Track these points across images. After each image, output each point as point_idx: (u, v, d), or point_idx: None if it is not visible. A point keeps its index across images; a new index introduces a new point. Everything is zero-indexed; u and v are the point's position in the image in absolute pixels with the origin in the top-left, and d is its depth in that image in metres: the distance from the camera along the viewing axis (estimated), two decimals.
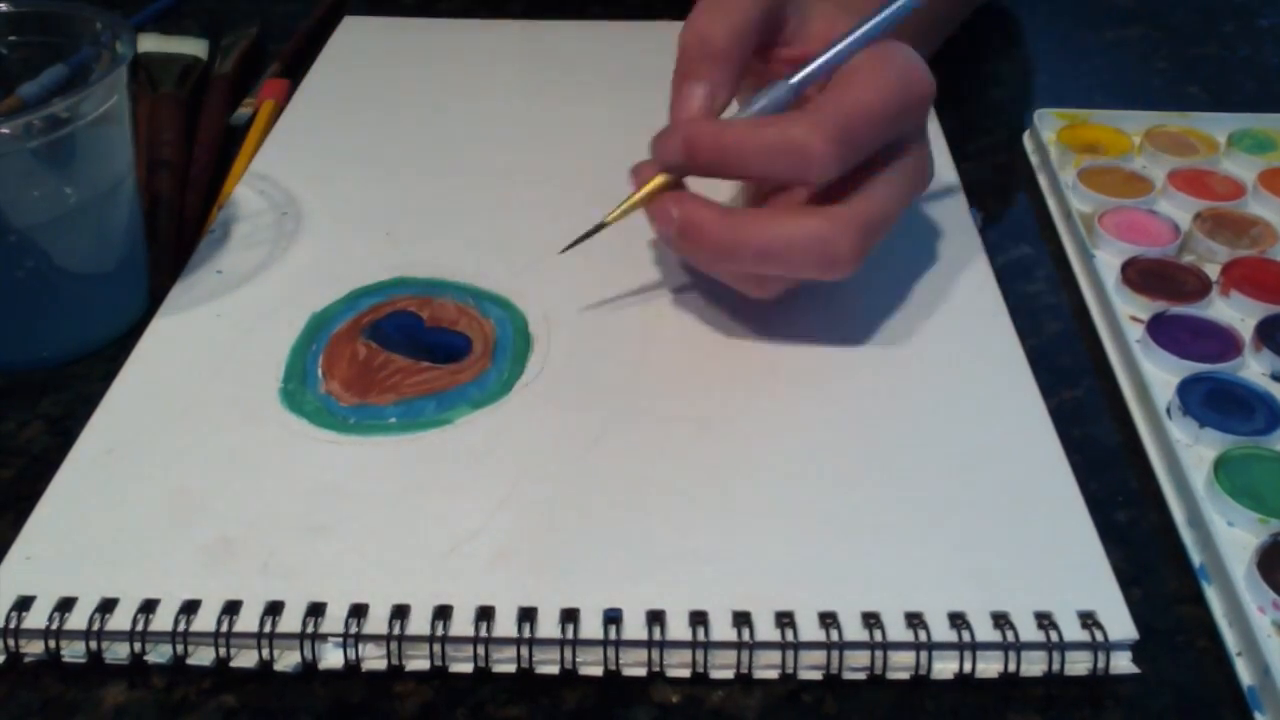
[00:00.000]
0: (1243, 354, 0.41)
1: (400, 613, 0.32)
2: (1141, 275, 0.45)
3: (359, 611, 0.32)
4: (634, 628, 0.32)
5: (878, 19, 0.39)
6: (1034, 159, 0.54)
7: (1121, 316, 0.43)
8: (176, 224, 0.50)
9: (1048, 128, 0.55)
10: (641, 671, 0.32)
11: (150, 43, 0.61)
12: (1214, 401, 0.39)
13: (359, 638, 0.32)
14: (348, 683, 0.32)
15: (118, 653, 0.32)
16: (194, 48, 0.62)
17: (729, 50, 0.39)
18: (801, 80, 0.39)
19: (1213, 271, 0.45)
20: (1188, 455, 0.37)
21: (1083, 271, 0.47)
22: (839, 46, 0.39)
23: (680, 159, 0.38)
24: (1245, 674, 0.32)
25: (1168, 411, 0.39)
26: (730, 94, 0.40)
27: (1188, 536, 0.36)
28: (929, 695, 0.32)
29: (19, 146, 0.38)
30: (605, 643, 0.32)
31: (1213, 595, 0.34)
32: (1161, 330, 0.42)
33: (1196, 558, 0.35)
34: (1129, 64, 0.64)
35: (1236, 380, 0.40)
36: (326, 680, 0.32)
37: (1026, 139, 0.55)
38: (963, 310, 0.43)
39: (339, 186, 0.51)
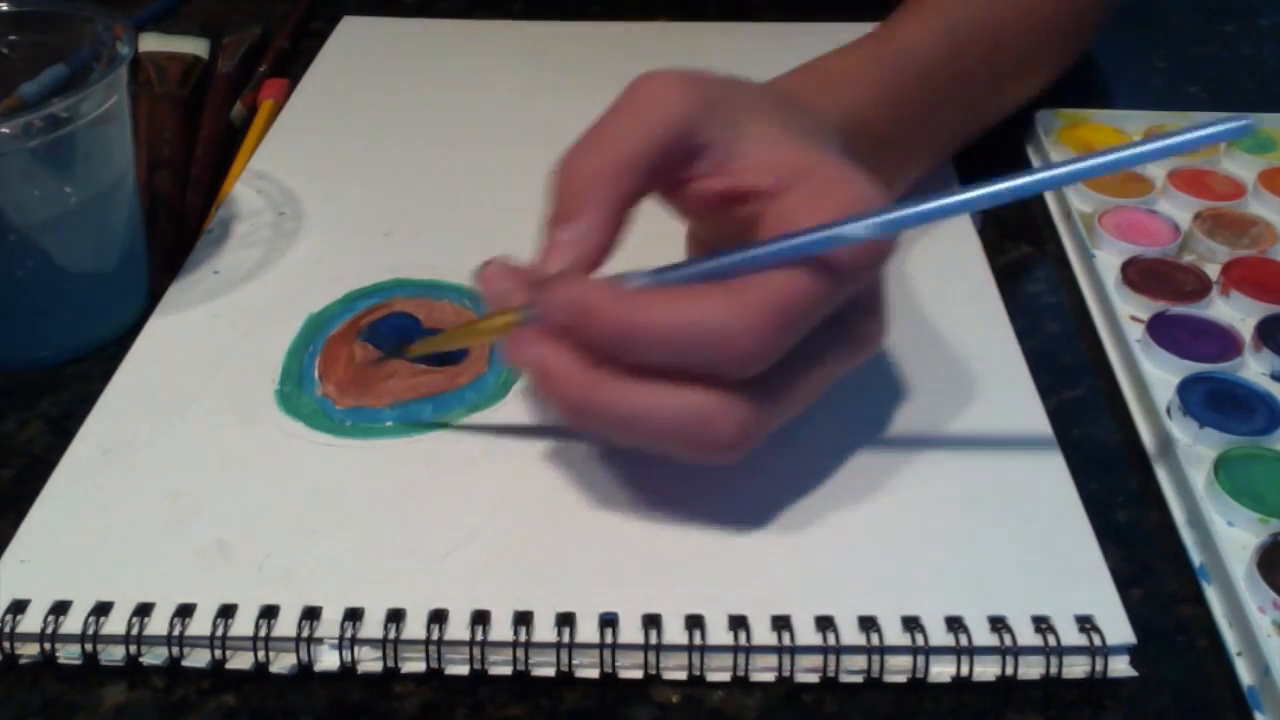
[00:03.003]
0: (1243, 354, 0.41)
1: (396, 616, 0.32)
2: (1141, 275, 0.45)
3: (354, 615, 0.32)
4: (630, 631, 0.32)
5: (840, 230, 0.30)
6: (1034, 159, 0.54)
7: (1121, 316, 0.43)
8: (176, 223, 0.50)
9: (1048, 127, 0.55)
10: (638, 675, 0.32)
11: (150, 42, 0.61)
12: (1214, 401, 0.39)
13: (354, 641, 0.32)
14: (348, 683, 0.32)
15: (113, 655, 0.32)
16: (194, 47, 0.62)
17: (607, 192, 0.32)
18: (676, 278, 0.32)
19: (1213, 271, 0.45)
20: (1188, 455, 0.37)
21: (1083, 271, 0.47)
22: (787, 244, 0.30)
23: (567, 323, 0.31)
24: (1245, 674, 0.32)
25: (1168, 411, 0.39)
26: (607, 239, 0.32)
27: (1188, 536, 0.36)
28: (929, 693, 0.32)
29: (19, 146, 0.38)
30: (601, 646, 0.32)
31: (1213, 595, 0.34)
32: (1161, 330, 0.42)
33: (1197, 558, 0.35)
34: (1129, 64, 0.64)
35: (1236, 380, 0.40)
36: (326, 680, 0.32)
37: (1027, 139, 0.55)
38: (961, 313, 0.43)
39: (337, 186, 0.51)
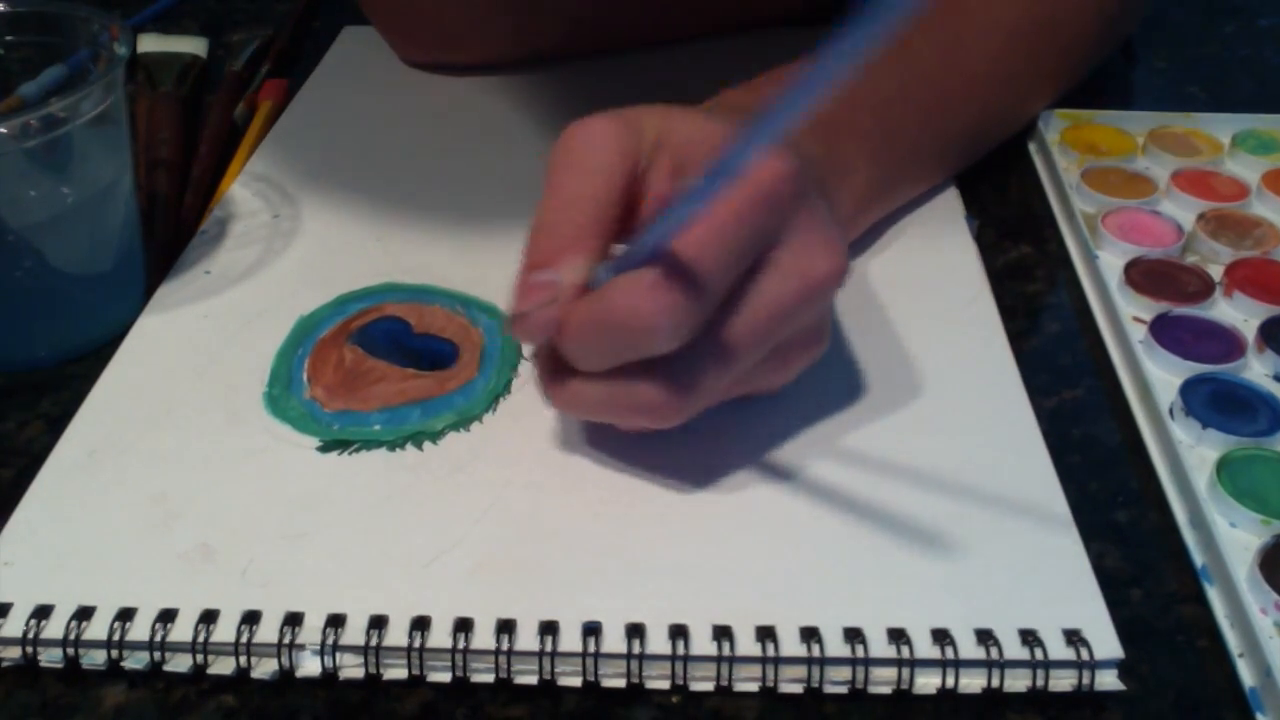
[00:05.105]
0: (1246, 355, 0.41)
1: (378, 623, 0.32)
2: (1144, 276, 0.45)
3: (337, 621, 0.32)
4: (614, 640, 0.32)
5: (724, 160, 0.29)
6: (1037, 159, 0.54)
7: (1124, 317, 0.43)
8: (174, 223, 0.50)
9: (1051, 128, 0.54)
10: (621, 684, 0.32)
11: (150, 42, 0.61)
12: (1217, 402, 0.39)
13: (336, 648, 0.32)
14: (348, 683, 0.32)
15: (95, 659, 0.32)
16: (194, 47, 0.62)
17: (585, 261, 0.33)
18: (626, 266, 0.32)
19: (1216, 272, 0.45)
20: (1190, 456, 0.37)
21: (1086, 272, 0.47)
22: (675, 209, 0.30)
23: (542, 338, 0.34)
24: (1247, 675, 0.32)
25: (1170, 412, 0.39)
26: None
27: (1189, 537, 0.36)
28: (928, 694, 0.32)
29: (16, 146, 0.38)
30: (584, 655, 0.31)
31: (1215, 596, 0.34)
32: (1164, 331, 0.42)
33: (1198, 558, 0.35)
34: (1129, 64, 0.63)
35: (1239, 381, 0.40)
36: (327, 681, 0.32)
37: (1030, 139, 0.55)
38: (955, 323, 0.43)
39: (333, 191, 0.51)
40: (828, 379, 0.40)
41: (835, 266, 0.34)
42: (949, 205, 0.49)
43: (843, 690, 0.31)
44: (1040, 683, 0.31)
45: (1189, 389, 0.39)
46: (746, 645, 0.31)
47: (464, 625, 0.32)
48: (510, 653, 0.31)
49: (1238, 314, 0.44)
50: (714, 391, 0.34)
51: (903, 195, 0.48)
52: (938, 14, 0.48)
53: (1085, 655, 0.31)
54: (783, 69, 0.43)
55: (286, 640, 0.32)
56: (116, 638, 0.32)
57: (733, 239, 0.31)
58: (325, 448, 0.38)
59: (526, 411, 0.39)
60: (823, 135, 0.41)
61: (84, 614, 0.32)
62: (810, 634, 0.32)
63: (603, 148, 0.33)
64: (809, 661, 0.31)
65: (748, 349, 0.33)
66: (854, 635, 0.32)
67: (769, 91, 0.41)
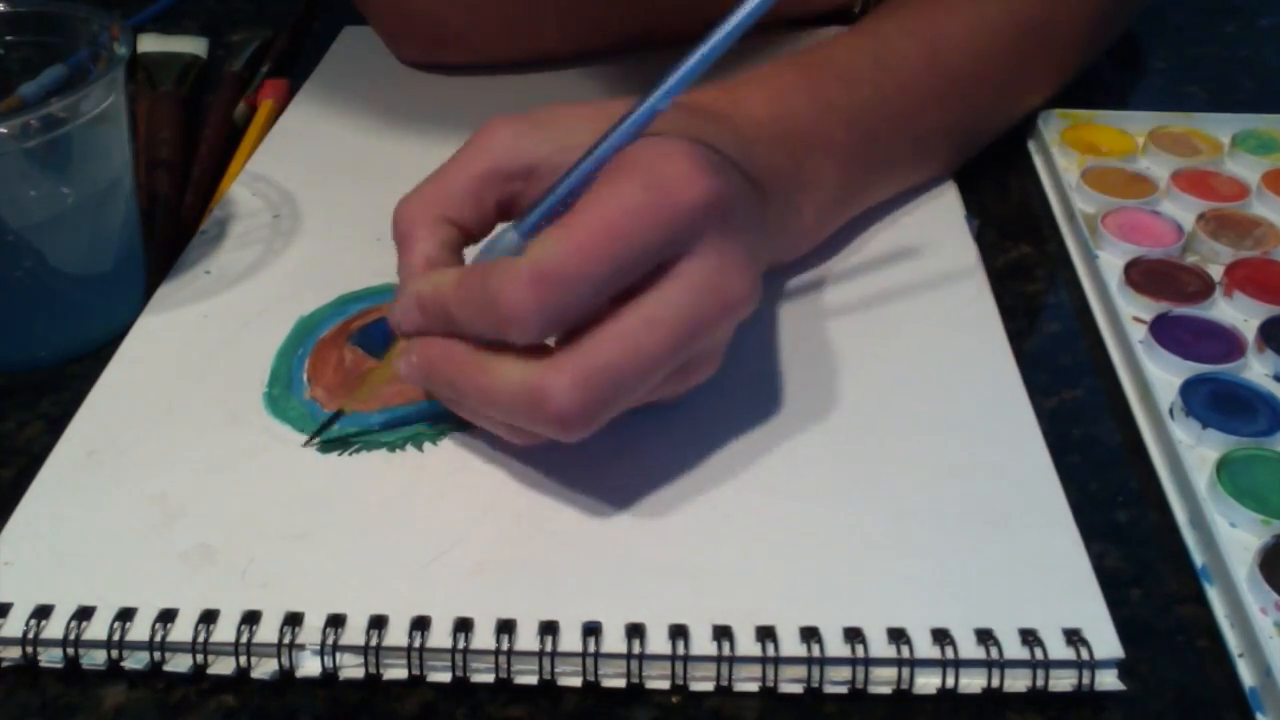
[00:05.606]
0: (1246, 355, 0.41)
1: (378, 623, 0.32)
2: (1144, 276, 0.45)
3: (337, 621, 0.32)
4: (613, 640, 0.32)
5: (621, 128, 0.33)
6: (1037, 159, 0.54)
7: (1124, 317, 0.43)
8: (174, 223, 0.50)
9: (1051, 128, 0.54)
10: (621, 684, 0.32)
11: (150, 42, 0.61)
12: (1217, 402, 0.39)
13: (336, 648, 0.32)
14: (348, 683, 0.32)
15: (95, 659, 0.32)
16: (194, 47, 0.62)
17: (426, 231, 0.36)
18: (531, 224, 0.34)
19: (1216, 272, 0.45)
20: (1190, 456, 0.37)
21: (1086, 272, 0.47)
22: (571, 175, 0.34)
23: (408, 327, 0.35)
24: (1247, 675, 0.32)
25: (1170, 412, 0.39)
26: (436, 266, 0.36)
27: (1190, 537, 0.36)
28: (928, 694, 0.32)
29: (16, 146, 0.38)
30: (584, 655, 0.31)
31: (1215, 596, 0.34)
32: (1164, 331, 0.42)
33: (1199, 558, 0.35)
34: (1129, 64, 0.63)
35: (1239, 381, 0.40)
36: (327, 681, 0.32)
37: (1030, 139, 0.55)
38: (955, 322, 0.43)
39: (334, 191, 0.51)
40: (828, 378, 0.40)
41: (749, 289, 0.33)
42: (949, 205, 0.49)
43: (843, 690, 0.31)
44: (1040, 683, 0.31)
45: (1189, 389, 0.39)
46: (746, 645, 0.31)
47: (464, 625, 0.32)
48: (510, 653, 0.31)
49: (1238, 314, 0.44)
50: (623, 396, 0.32)
51: (875, 197, 0.48)
52: (919, 12, 0.48)
53: (1085, 655, 0.31)
54: (760, 70, 0.44)
55: (286, 640, 0.32)
56: (116, 638, 0.32)
57: (622, 245, 0.31)
58: (325, 448, 0.38)
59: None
60: (791, 149, 0.41)
61: (84, 614, 0.32)
62: (810, 634, 0.32)
63: (490, 137, 0.36)
64: (809, 661, 0.31)
65: (660, 359, 0.32)
66: (854, 635, 0.32)
67: (743, 94, 0.42)
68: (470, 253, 0.37)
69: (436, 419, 0.39)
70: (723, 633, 0.32)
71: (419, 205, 0.36)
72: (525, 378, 0.32)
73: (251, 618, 0.32)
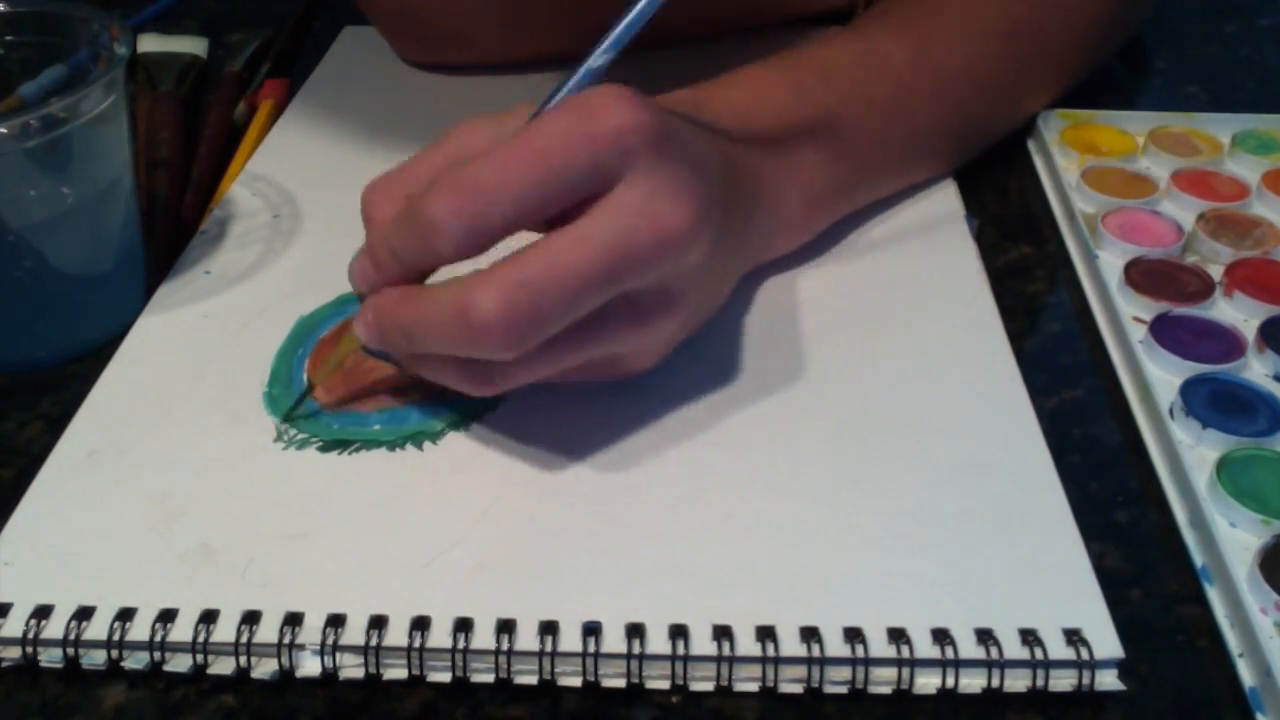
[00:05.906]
0: (1246, 355, 0.41)
1: (378, 623, 0.32)
2: (1145, 276, 0.45)
3: (337, 621, 0.32)
4: (613, 640, 0.32)
5: (562, 90, 0.36)
6: (1037, 159, 0.54)
7: (1124, 317, 0.43)
8: (174, 223, 0.49)
9: (1051, 128, 0.54)
10: (621, 684, 0.32)
11: (150, 42, 0.61)
12: (1217, 403, 0.39)
13: (336, 648, 0.32)
14: (348, 683, 0.32)
15: (95, 659, 0.32)
16: (194, 47, 0.62)
17: (393, 210, 0.36)
18: None
19: (1216, 272, 0.45)
20: (1190, 456, 0.37)
21: (1086, 272, 0.47)
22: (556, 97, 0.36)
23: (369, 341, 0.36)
24: (1247, 675, 0.32)
25: (1170, 412, 0.39)
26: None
27: (1190, 537, 0.36)
28: (928, 694, 0.32)
29: (16, 146, 0.38)
30: (584, 655, 0.31)
31: (1215, 596, 0.34)
32: (1164, 331, 0.42)
33: (1198, 558, 0.35)
34: (1129, 64, 0.63)
35: (1240, 381, 0.40)
36: (327, 681, 0.32)
37: (1030, 139, 0.55)
38: (955, 322, 0.43)
39: (334, 191, 0.51)
40: (827, 378, 0.40)
41: (686, 220, 0.33)
42: (949, 205, 0.49)
43: (843, 690, 0.31)
44: (1040, 683, 0.31)
45: (1189, 389, 0.39)
46: (746, 645, 0.31)
47: (464, 625, 0.32)
48: (510, 653, 0.31)
49: (1238, 314, 0.44)
50: (550, 313, 0.32)
51: (869, 194, 0.48)
52: (906, 13, 0.48)
53: (1085, 655, 0.31)
54: (742, 69, 0.44)
55: (286, 640, 0.32)
56: (116, 638, 0.32)
57: (541, 163, 0.32)
58: (325, 448, 0.38)
59: (527, 411, 0.39)
60: (770, 131, 0.42)
61: (84, 614, 0.32)
62: (810, 634, 0.32)
63: (466, 126, 0.37)
64: (809, 661, 0.31)
65: (587, 278, 0.32)
66: (854, 635, 0.31)
67: (721, 86, 0.42)
68: None
69: (435, 418, 0.39)
70: (723, 633, 0.32)
71: (384, 188, 0.37)
72: (453, 294, 0.32)
73: (251, 618, 0.32)
